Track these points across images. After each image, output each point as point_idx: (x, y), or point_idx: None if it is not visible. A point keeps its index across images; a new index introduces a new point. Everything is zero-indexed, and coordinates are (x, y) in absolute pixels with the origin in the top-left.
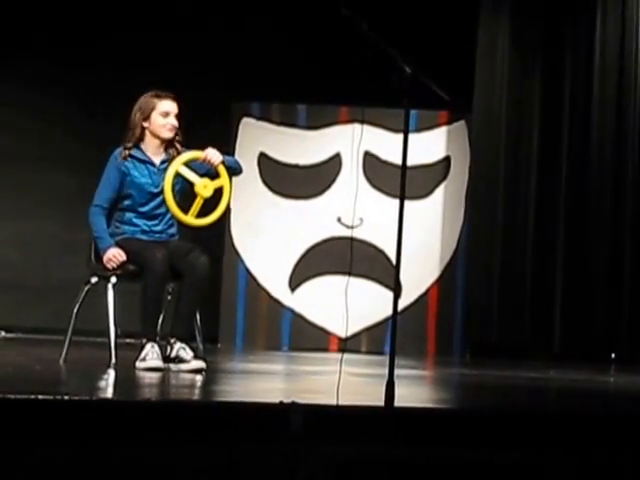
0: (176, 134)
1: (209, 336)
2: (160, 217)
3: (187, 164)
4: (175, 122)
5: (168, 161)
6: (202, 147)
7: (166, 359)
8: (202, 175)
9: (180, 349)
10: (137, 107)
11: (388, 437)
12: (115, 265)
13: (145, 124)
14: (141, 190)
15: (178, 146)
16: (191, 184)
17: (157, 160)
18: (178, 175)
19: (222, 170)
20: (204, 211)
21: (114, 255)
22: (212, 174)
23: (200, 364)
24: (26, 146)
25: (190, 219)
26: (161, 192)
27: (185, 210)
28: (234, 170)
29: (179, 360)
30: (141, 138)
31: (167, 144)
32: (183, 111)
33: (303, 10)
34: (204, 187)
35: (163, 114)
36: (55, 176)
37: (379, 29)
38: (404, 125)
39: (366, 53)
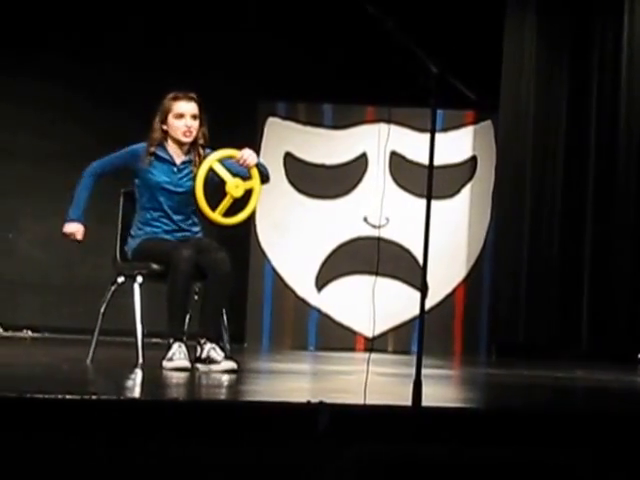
0: (197, 136)
1: (235, 336)
2: (182, 216)
3: (221, 161)
4: (191, 123)
5: (190, 162)
6: (228, 147)
7: (196, 360)
8: (233, 175)
9: (210, 350)
10: (158, 110)
11: (416, 437)
12: (70, 239)
13: (164, 127)
14: (161, 189)
15: (200, 149)
16: (223, 182)
17: (178, 160)
18: (211, 171)
19: (255, 172)
20: (230, 211)
21: (72, 232)
22: (243, 175)
23: (231, 365)
24: (48, 145)
25: (217, 216)
26: (182, 192)
27: (213, 208)
28: (264, 177)
29: (210, 361)
30: (163, 140)
31: (189, 146)
32: (204, 111)
33: (329, 9)
34: (236, 187)
35: (177, 116)
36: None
37: (405, 28)
38: (431, 125)
39: (392, 52)
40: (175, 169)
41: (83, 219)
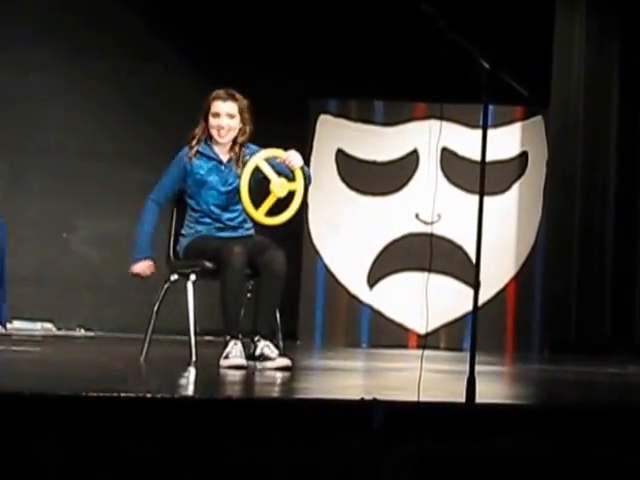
0: (238, 135)
1: (288, 333)
2: (232, 214)
3: (268, 160)
4: (224, 122)
5: (233, 160)
6: (280, 144)
7: (250, 357)
8: (278, 174)
9: (264, 347)
10: (202, 108)
11: (470, 434)
12: (138, 277)
13: (204, 124)
14: (210, 188)
15: (238, 148)
16: (268, 181)
17: (224, 158)
18: (257, 170)
19: (299, 174)
20: (273, 211)
21: (140, 272)
22: (287, 176)
23: (286, 362)
24: (103, 144)
25: (260, 215)
26: (230, 190)
27: (256, 206)
28: (307, 180)
29: (264, 358)
30: (207, 137)
31: (231, 144)
32: (247, 109)
33: (381, 6)
34: (280, 186)
35: (213, 115)
36: (132, 174)
37: (456, 24)
38: (482, 121)
39: (443, 49)
40: (222, 167)
41: (149, 254)
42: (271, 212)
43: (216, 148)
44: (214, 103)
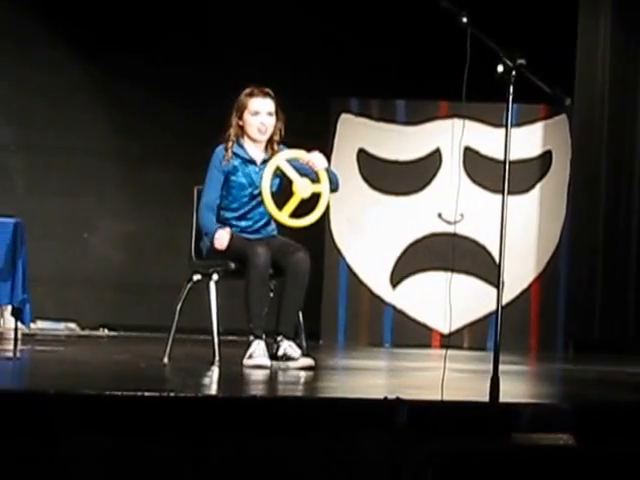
0: (273, 133)
1: (311, 333)
2: (260, 215)
3: (289, 161)
4: (266, 120)
5: (268, 161)
6: (301, 143)
7: (273, 357)
8: (301, 175)
9: (287, 347)
10: (234, 106)
11: (493, 433)
12: (223, 245)
13: (240, 123)
14: (241, 189)
15: (275, 146)
16: (290, 181)
17: (259, 159)
18: (278, 170)
19: (323, 176)
20: (297, 213)
21: (220, 235)
22: (311, 178)
23: (309, 362)
24: (123, 145)
25: (283, 217)
26: (260, 193)
27: (280, 207)
28: (333, 185)
29: (287, 358)
30: (240, 137)
31: (266, 143)
32: (280, 107)
33: (403, 4)
34: (304, 187)
35: (253, 113)
36: (154, 174)
37: (478, 22)
38: (506, 119)
39: (466, 47)
40: (257, 169)
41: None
42: (295, 214)
43: (250, 149)
44: (252, 101)
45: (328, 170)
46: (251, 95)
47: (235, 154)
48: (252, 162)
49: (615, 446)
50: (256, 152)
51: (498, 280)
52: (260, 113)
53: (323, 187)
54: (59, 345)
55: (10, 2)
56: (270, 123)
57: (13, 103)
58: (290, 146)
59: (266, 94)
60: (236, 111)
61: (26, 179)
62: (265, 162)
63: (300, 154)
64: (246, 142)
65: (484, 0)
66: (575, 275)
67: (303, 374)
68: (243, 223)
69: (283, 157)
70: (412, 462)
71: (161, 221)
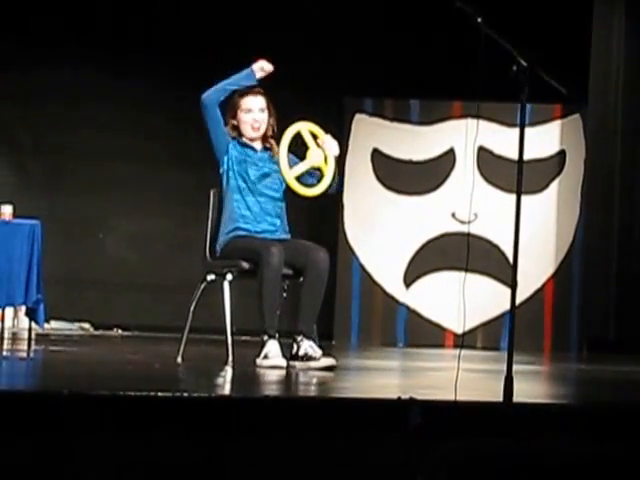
0: (267, 129)
1: (324, 333)
2: (272, 217)
3: (310, 132)
4: (258, 116)
5: (268, 149)
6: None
7: (293, 357)
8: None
9: (308, 347)
10: (228, 107)
11: (507, 433)
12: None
13: (235, 123)
14: (246, 174)
15: (270, 140)
16: (306, 148)
17: (258, 147)
18: (298, 135)
19: (331, 160)
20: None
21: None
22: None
23: (330, 361)
24: (140, 145)
25: (290, 175)
26: (268, 174)
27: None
28: (332, 183)
29: (308, 358)
30: (237, 137)
31: (262, 140)
32: (272, 104)
33: (416, 3)
34: (317, 156)
35: (246, 111)
36: (169, 175)
37: (492, 21)
38: (520, 119)
39: (480, 46)
40: (258, 154)
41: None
42: (300, 182)
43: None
44: (244, 99)
45: (335, 165)
46: (242, 95)
47: (236, 146)
48: (251, 148)
49: (631, 447)
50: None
51: (512, 280)
52: (252, 110)
53: (328, 169)
54: (73, 345)
55: None
56: (263, 119)
57: (28, 103)
58: (300, 146)
59: (257, 92)
60: (230, 111)
61: (41, 181)
62: (265, 149)
63: (319, 131)
64: (244, 140)
65: (498, 0)
66: (589, 275)
67: (316, 374)
68: (258, 223)
69: (306, 126)
70: (426, 462)
71: (175, 221)
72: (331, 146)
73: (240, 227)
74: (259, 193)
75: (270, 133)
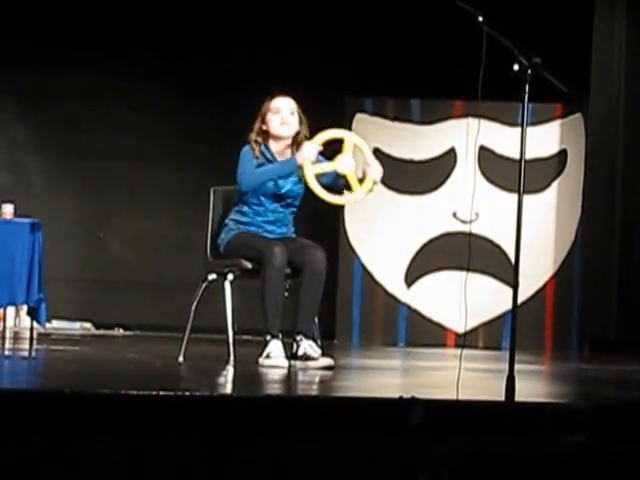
0: (298, 132)
1: (325, 332)
2: (281, 216)
3: (356, 145)
4: (288, 117)
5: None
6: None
7: (292, 356)
8: (327, 183)
9: (307, 346)
10: (258, 114)
11: (509, 432)
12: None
13: (264, 127)
14: (264, 190)
15: (294, 150)
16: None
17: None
18: (345, 141)
19: (369, 183)
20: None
21: (308, 146)
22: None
23: (329, 361)
24: (142, 146)
25: (310, 173)
26: (284, 193)
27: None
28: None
29: (307, 357)
30: (265, 142)
31: (292, 145)
32: (303, 112)
33: (417, 3)
34: (345, 164)
35: (275, 111)
36: (170, 174)
37: (493, 20)
38: (521, 118)
39: (481, 45)
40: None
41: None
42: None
43: (275, 152)
44: (273, 101)
45: (374, 184)
46: (272, 97)
47: (262, 153)
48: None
49: (632, 446)
50: (281, 155)
51: (514, 279)
52: (281, 110)
53: (360, 190)
54: (74, 345)
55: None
56: (293, 121)
57: (29, 103)
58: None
59: (287, 95)
60: (260, 116)
61: (43, 179)
62: None
63: (367, 150)
64: (271, 145)
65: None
66: (591, 274)
67: (318, 373)
68: (265, 223)
69: (353, 137)
70: (427, 462)
71: (177, 221)
72: (377, 171)
73: (246, 227)
74: (278, 201)
75: (299, 140)
